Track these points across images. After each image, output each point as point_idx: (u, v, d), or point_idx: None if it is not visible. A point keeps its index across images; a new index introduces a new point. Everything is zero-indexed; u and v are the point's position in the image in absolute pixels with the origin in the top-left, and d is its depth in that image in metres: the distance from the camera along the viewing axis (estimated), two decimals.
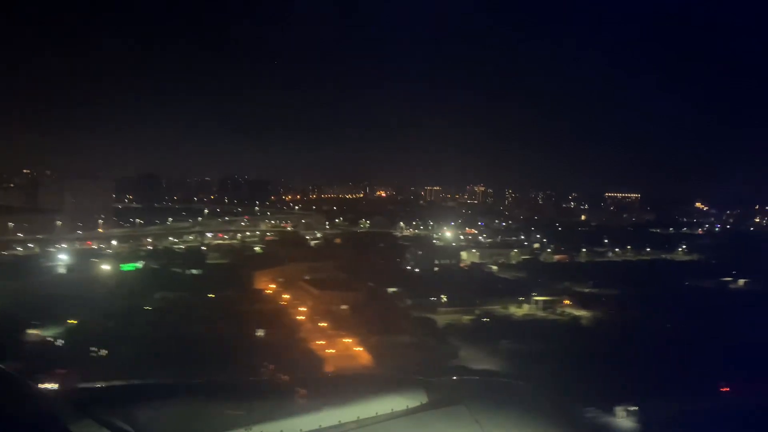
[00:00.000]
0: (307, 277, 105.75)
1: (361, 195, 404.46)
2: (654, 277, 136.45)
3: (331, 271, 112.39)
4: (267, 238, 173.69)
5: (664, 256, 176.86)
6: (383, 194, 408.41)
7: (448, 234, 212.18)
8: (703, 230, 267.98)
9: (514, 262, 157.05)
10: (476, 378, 54.67)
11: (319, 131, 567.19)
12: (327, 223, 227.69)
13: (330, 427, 40.40)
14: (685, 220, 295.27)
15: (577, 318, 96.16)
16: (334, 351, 69.36)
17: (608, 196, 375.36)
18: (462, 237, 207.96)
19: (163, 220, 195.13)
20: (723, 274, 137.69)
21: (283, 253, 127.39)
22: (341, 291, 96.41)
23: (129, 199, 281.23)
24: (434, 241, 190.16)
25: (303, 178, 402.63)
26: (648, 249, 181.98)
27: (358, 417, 41.24)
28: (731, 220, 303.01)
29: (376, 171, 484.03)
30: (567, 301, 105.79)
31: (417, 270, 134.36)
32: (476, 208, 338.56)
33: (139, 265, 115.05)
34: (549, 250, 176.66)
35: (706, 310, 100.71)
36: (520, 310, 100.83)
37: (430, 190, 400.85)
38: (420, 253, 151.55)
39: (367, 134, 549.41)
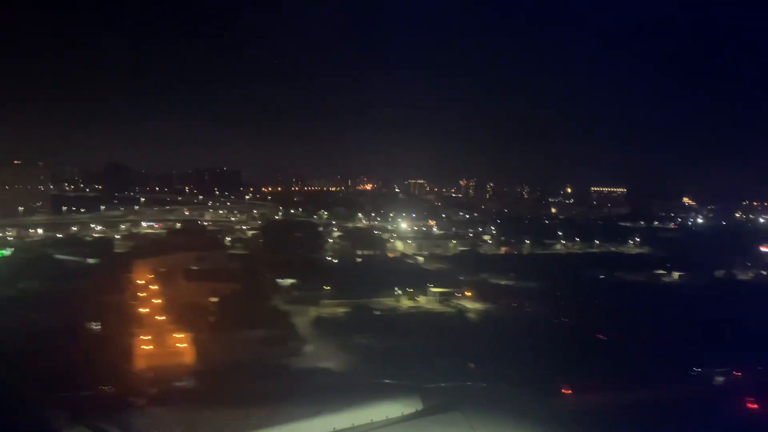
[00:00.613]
0: (192, 268, 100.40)
1: (343, 188, 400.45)
2: (582, 270, 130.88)
3: (225, 261, 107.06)
4: (175, 229, 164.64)
5: (612, 248, 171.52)
6: (367, 187, 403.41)
7: (404, 225, 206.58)
8: (675, 224, 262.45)
9: (450, 253, 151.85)
10: (472, 384, 53.06)
11: (308, 124, 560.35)
12: (280, 213, 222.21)
13: None
14: (662, 214, 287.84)
15: (464, 311, 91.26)
16: (152, 347, 64.71)
17: (594, 190, 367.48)
18: (416, 228, 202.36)
19: (113, 208, 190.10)
20: (661, 267, 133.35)
21: (187, 242, 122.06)
22: (216, 282, 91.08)
23: (97, 188, 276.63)
24: (377, 232, 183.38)
25: (292, 171, 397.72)
26: (597, 242, 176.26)
27: (353, 424, 40.83)
28: (710, 215, 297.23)
29: (366, 164, 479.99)
30: (468, 293, 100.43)
31: (335, 261, 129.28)
32: (454, 201, 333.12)
33: (6, 252, 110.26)
34: (492, 241, 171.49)
35: (613, 304, 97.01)
36: (410, 303, 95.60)
37: (415, 183, 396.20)
38: (345, 243, 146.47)
39: (358, 127, 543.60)
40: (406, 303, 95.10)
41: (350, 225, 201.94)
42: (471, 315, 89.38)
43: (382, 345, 69.53)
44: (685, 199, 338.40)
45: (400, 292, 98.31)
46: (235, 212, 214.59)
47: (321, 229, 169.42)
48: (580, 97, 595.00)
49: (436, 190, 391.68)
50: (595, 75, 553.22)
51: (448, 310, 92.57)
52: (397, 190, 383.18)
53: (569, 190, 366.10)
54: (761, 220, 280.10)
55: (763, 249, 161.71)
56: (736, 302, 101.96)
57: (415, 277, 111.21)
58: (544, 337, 72.65)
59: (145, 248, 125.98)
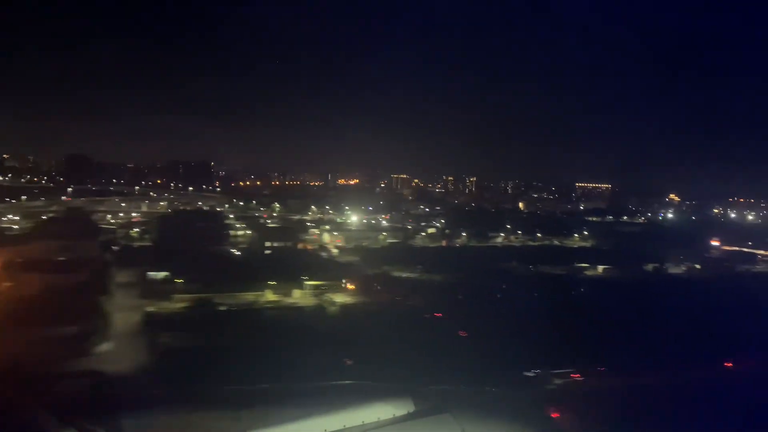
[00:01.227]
0: (41, 258, 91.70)
1: (322, 183, 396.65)
2: (504, 262, 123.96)
3: (92, 252, 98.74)
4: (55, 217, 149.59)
5: (555, 242, 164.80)
6: (351, 182, 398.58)
7: (354, 218, 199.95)
8: (645, 219, 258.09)
9: (376, 246, 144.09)
10: (463, 387, 51.22)
11: (298, 120, 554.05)
12: (227, 205, 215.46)
13: None
14: (637, 209, 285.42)
15: (328, 305, 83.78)
16: None
17: (579, 186, 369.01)
18: (365, 221, 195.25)
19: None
20: (592, 260, 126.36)
21: (61, 231, 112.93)
22: (60, 274, 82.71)
23: (60, 180, 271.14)
24: (311, 223, 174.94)
25: (275, 166, 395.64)
26: (539, 235, 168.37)
27: (345, 425, 39.93)
28: (687, 211, 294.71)
29: (354, 160, 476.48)
30: (351, 286, 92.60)
31: (237, 253, 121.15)
32: (430, 196, 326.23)
33: None
34: (434, 233, 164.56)
35: (514, 298, 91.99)
36: (274, 297, 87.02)
37: (398, 178, 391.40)
38: (258, 234, 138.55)
39: (345, 123, 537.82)
40: (270, 297, 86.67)
41: (295, 217, 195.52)
42: (333, 309, 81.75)
43: (194, 344, 62.55)
44: (672, 196, 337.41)
45: (273, 284, 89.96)
46: (177, 204, 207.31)
47: (229, 220, 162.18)
48: (570, 93, 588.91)
49: (422, 185, 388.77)
50: (585, 71, 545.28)
51: (311, 304, 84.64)
52: (382, 185, 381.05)
53: (553, 188, 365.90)
54: (732, 216, 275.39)
55: (714, 243, 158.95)
56: (644, 297, 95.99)
57: (307, 270, 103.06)
58: (398, 334, 66.08)
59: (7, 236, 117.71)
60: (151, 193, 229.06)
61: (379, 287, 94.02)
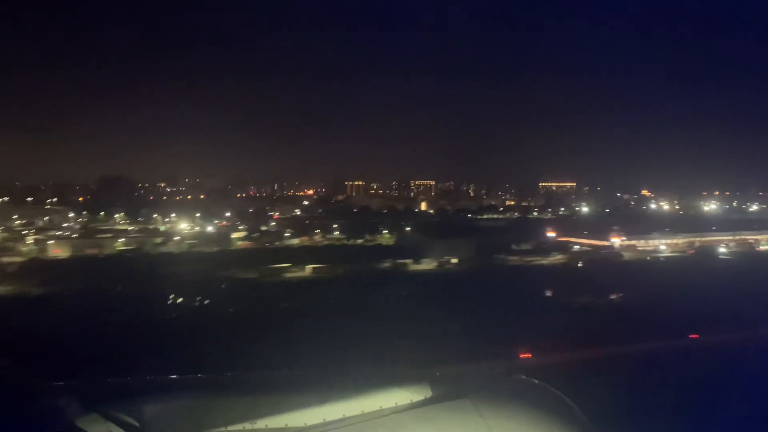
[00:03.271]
0: None
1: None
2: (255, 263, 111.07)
3: None
4: None
5: (359, 241, 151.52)
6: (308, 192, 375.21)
7: (182, 226, 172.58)
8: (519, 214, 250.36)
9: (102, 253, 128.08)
10: (481, 372, 43.77)
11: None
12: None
13: (334, 421, 27.92)
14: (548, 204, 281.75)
15: None
16: None
17: (542, 186, 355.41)
18: (187, 228, 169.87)
19: None
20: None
21: None
22: None
23: None
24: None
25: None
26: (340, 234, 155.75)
27: (363, 411, 29.48)
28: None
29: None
30: None
31: None
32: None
33: None
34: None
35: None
36: None
37: (351, 184, 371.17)
38: None
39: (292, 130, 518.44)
40: None
41: (104, 227, 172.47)
42: None
43: None
44: (644, 192, 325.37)
45: None
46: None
47: None
48: (533, 90, 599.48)
49: (380, 192, 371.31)
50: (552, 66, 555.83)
51: None
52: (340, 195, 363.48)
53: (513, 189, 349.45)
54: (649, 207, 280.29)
55: (550, 234, 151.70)
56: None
57: None
58: None
59: None
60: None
61: None
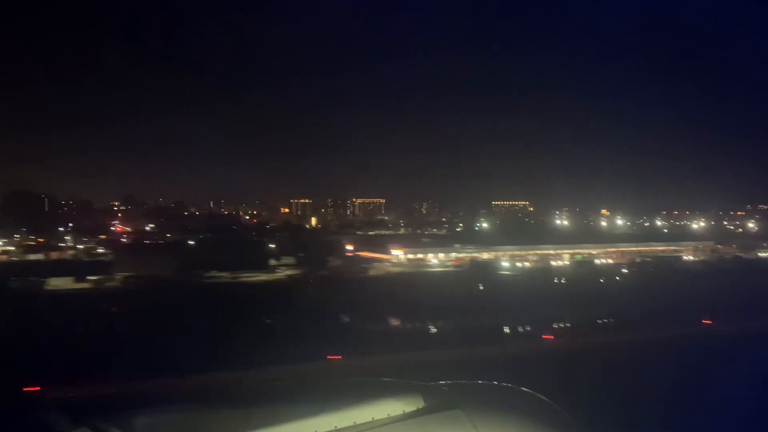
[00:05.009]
0: None
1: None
2: None
3: None
4: None
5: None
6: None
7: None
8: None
9: None
10: (473, 382, 44.48)
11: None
12: None
13: None
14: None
15: None
16: None
17: (495, 204, 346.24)
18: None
19: None
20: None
21: None
22: None
23: None
24: None
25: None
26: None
27: (355, 422, 30.01)
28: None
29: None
30: None
31: None
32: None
33: None
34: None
35: None
36: None
37: (296, 203, 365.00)
38: None
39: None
40: None
41: None
42: None
43: None
44: (603, 211, 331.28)
45: None
46: None
47: None
48: (489, 108, 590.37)
49: (323, 210, 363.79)
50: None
51: None
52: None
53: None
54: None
55: (348, 247, 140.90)
56: None
57: None
58: None
59: None
60: None
61: None
